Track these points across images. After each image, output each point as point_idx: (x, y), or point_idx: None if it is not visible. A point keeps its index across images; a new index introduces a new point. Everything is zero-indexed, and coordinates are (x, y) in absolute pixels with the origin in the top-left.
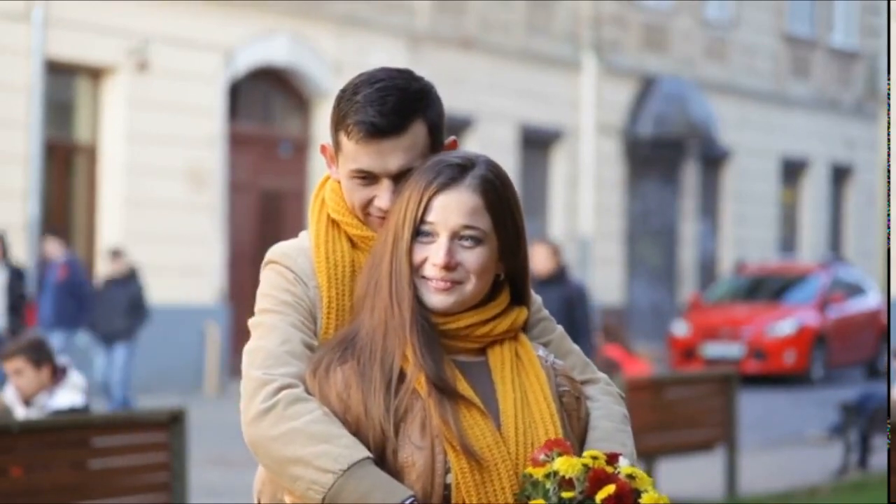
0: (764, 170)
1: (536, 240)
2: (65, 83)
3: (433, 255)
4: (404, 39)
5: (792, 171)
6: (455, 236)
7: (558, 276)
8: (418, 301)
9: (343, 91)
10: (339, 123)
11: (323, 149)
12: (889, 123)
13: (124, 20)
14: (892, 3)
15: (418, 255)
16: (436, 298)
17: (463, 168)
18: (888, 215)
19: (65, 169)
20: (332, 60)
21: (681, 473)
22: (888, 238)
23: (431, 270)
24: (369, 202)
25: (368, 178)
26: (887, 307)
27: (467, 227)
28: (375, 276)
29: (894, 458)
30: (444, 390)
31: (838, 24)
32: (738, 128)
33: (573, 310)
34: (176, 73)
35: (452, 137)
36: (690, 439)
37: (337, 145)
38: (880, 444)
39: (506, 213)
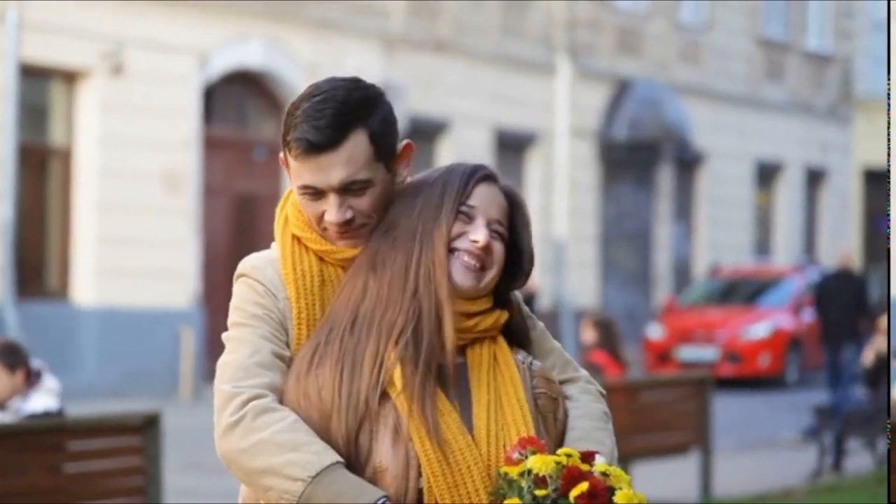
0: (738, 173)
1: None
2: (39, 86)
3: (473, 232)
4: (379, 43)
5: (766, 174)
6: (489, 225)
7: None
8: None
9: (290, 105)
10: (283, 140)
11: (282, 160)
12: (889, 123)
13: (99, 23)
14: (892, 3)
15: (455, 229)
16: (466, 276)
17: (494, 175)
18: (888, 215)
19: (39, 172)
20: (306, 64)
21: (655, 477)
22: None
23: (468, 245)
24: (321, 216)
25: (315, 192)
26: (887, 307)
27: (499, 221)
28: (370, 259)
29: (894, 458)
30: (426, 387)
31: (812, 28)
32: (712, 131)
33: None
34: (150, 76)
35: (406, 141)
36: (665, 442)
37: (285, 160)
38: (854, 447)
39: (521, 225)
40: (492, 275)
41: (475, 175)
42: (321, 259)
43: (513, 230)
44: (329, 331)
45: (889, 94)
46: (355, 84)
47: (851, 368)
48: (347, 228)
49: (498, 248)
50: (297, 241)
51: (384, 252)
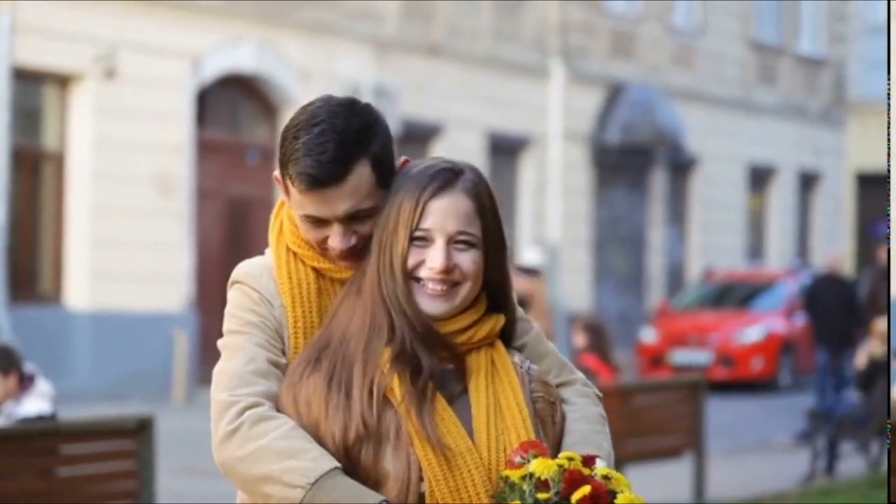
0: (731, 177)
1: None
2: (32, 90)
3: (430, 258)
4: (372, 46)
5: (759, 177)
6: (451, 241)
7: None
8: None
9: (286, 129)
10: (283, 167)
11: (277, 180)
12: (889, 123)
13: (92, 27)
14: (892, 3)
15: (412, 258)
16: (432, 304)
17: (454, 173)
18: (888, 214)
19: (32, 176)
20: (299, 67)
21: (649, 480)
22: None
23: (428, 273)
24: (324, 240)
25: (318, 221)
26: (887, 307)
27: (462, 231)
28: (358, 282)
29: (894, 458)
30: (426, 393)
31: (805, 31)
32: (705, 135)
33: None
34: (143, 80)
35: (403, 157)
36: (658, 446)
37: (284, 186)
38: (847, 451)
39: (492, 219)
40: (466, 289)
41: (426, 191)
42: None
43: (484, 220)
44: (322, 349)
45: (889, 94)
46: (352, 109)
47: (845, 374)
48: (351, 253)
49: (467, 258)
50: (293, 253)
51: (361, 279)
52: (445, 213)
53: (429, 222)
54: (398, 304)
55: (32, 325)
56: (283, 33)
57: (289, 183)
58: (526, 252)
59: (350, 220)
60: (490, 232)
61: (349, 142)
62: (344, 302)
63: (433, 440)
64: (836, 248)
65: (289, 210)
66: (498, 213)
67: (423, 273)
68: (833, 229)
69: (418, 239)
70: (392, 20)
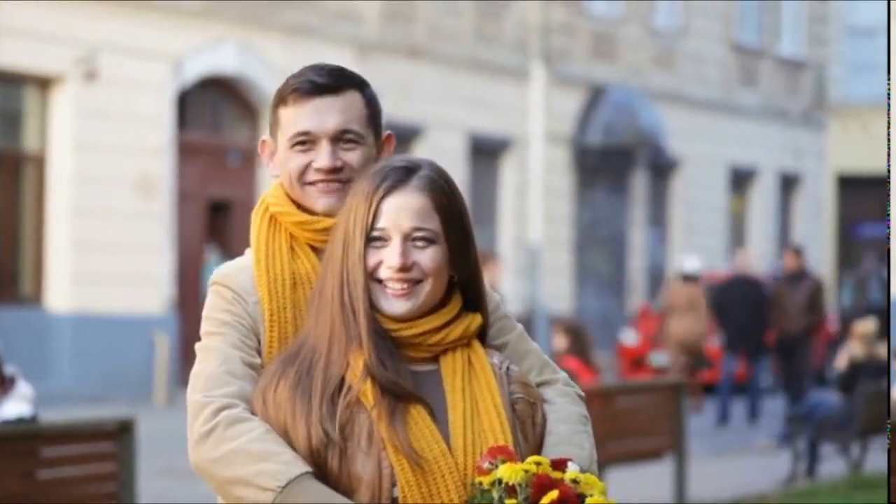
0: (712, 178)
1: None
2: (12, 92)
3: (387, 258)
4: (353, 48)
5: (740, 179)
6: (407, 238)
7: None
8: (372, 308)
9: (283, 83)
10: (278, 101)
11: (262, 145)
12: (889, 123)
13: (72, 29)
14: (892, 3)
15: (371, 260)
16: (395, 304)
17: (408, 170)
18: (888, 214)
19: (13, 178)
20: (280, 69)
21: (630, 482)
22: (888, 238)
23: (387, 273)
24: (306, 168)
25: (307, 143)
26: (887, 307)
27: (418, 228)
28: (320, 285)
29: (894, 458)
30: (399, 397)
31: (786, 33)
32: (686, 136)
33: None
34: (124, 82)
35: (388, 132)
36: (639, 448)
37: (276, 124)
38: (828, 453)
39: (454, 213)
40: (429, 286)
41: (379, 190)
42: (293, 255)
43: (444, 216)
44: (292, 355)
45: (889, 95)
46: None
47: (758, 381)
48: (334, 178)
49: (425, 256)
50: (273, 229)
51: (324, 285)
52: (399, 211)
53: (383, 221)
54: (361, 307)
55: (13, 327)
56: (264, 35)
57: (282, 110)
58: (686, 259)
59: (338, 140)
60: (452, 227)
61: (346, 71)
62: (310, 308)
63: (404, 446)
64: (743, 249)
65: (273, 188)
66: (463, 208)
67: (382, 274)
68: (813, 231)
69: (376, 240)
70: (373, 22)
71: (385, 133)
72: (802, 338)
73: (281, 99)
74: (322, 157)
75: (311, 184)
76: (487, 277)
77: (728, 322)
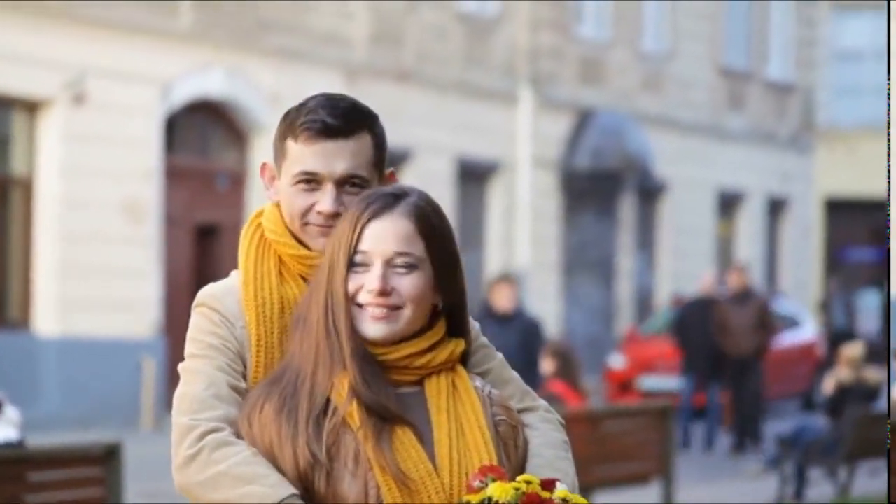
0: (700, 203)
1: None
2: (0, 116)
3: (368, 282)
4: (341, 72)
5: (728, 203)
6: (389, 263)
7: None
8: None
9: (288, 111)
10: (286, 131)
11: (263, 168)
12: (889, 123)
13: (60, 53)
14: (892, 3)
15: (353, 283)
16: (373, 327)
17: (396, 197)
18: (888, 215)
19: (0, 202)
20: (269, 93)
21: None
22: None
23: (366, 297)
24: (309, 209)
25: (312, 182)
26: (887, 307)
27: (400, 253)
28: (304, 309)
29: (894, 458)
30: (385, 418)
31: (774, 57)
32: (674, 160)
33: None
34: (112, 106)
35: (391, 169)
36: (627, 472)
37: (282, 155)
38: (816, 477)
39: (439, 240)
40: (409, 311)
41: (364, 214)
42: (282, 280)
43: (428, 242)
44: (277, 378)
45: (889, 94)
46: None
47: (714, 406)
48: (334, 223)
49: (406, 282)
50: (264, 253)
51: (308, 309)
52: (383, 236)
53: (366, 245)
54: (344, 329)
55: (0, 351)
56: (253, 59)
57: (290, 143)
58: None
59: (343, 183)
60: (438, 253)
61: (360, 108)
62: (294, 331)
63: (391, 466)
64: (707, 271)
65: (271, 206)
66: (450, 234)
67: (362, 298)
68: (801, 255)
69: (359, 264)
70: (361, 46)
71: (388, 170)
72: (751, 360)
73: (290, 131)
74: (325, 201)
75: (310, 224)
76: (508, 298)
77: (686, 345)
